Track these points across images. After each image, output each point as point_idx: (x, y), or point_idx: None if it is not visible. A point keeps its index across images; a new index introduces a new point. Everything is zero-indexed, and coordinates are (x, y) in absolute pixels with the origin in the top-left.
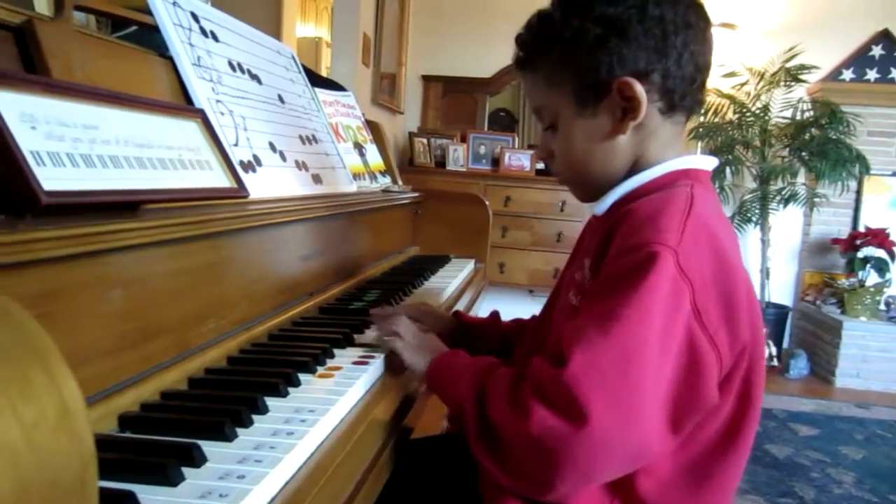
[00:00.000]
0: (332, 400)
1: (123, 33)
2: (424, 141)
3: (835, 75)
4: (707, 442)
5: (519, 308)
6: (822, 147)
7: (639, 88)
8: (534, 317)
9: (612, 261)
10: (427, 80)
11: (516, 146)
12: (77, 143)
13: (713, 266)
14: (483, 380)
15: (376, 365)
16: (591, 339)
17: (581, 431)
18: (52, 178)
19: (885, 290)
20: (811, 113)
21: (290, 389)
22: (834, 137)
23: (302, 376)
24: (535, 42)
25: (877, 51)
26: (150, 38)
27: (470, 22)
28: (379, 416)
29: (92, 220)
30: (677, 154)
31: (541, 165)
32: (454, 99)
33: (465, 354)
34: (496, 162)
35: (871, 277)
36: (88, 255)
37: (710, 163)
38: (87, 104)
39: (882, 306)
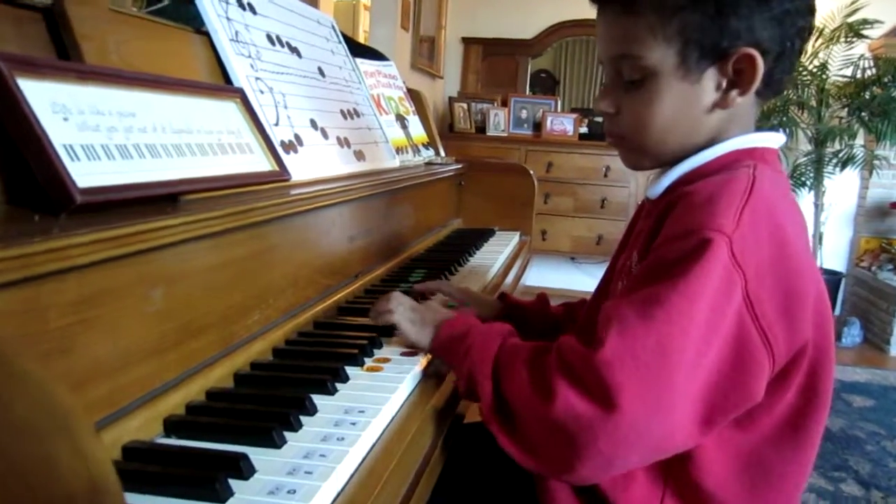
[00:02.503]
0: (382, 398)
1: (156, 7)
2: (464, 106)
3: None
4: (766, 437)
5: (561, 275)
6: (884, 107)
7: (760, 63)
8: (583, 300)
9: (662, 245)
10: (467, 42)
11: (559, 109)
12: (112, 133)
13: (772, 255)
14: (498, 350)
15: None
16: (630, 322)
17: (609, 418)
18: (86, 174)
19: None
20: (873, 71)
21: (339, 386)
22: None
23: (350, 370)
24: None
25: None
26: (183, 10)
27: None
28: (431, 410)
29: (130, 215)
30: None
31: (584, 129)
32: (495, 62)
33: (473, 320)
34: (538, 126)
35: None
36: (129, 256)
37: (776, 140)
38: (123, 90)
39: None
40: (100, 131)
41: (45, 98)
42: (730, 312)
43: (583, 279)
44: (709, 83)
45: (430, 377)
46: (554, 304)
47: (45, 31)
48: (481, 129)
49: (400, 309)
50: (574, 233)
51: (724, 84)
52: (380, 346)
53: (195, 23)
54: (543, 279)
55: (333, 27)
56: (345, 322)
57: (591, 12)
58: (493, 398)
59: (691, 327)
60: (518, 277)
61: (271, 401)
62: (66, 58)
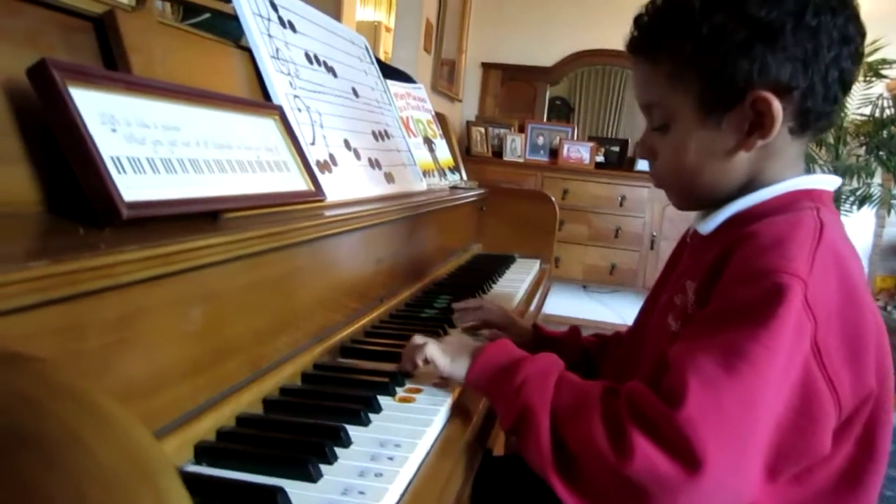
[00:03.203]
0: (417, 432)
1: (197, 20)
2: (482, 130)
3: None
4: (822, 491)
5: (573, 303)
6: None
7: (776, 106)
8: (617, 334)
9: (731, 287)
10: (487, 67)
11: (575, 137)
12: (157, 147)
13: (840, 300)
14: (555, 388)
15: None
16: (713, 376)
17: (692, 478)
18: (132, 187)
19: None
20: (891, 110)
21: (372, 416)
22: None
23: (382, 399)
24: (661, 31)
25: None
26: (221, 24)
27: (532, 8)
28: (464, 446)
29: (172, 232)
30: (798, 172)
31: (600, 158)
32: (513, 87)
33: (515, 349)
34: (554, 153)
35: None
36: (170, 275)
37: (833, 182)
38: (169, 103)
39: None
40: (146, 144)
41: (95, 108)
42: (798, 360)
43: (595, 308)
44: (730, 127)
45: (462, 408)
46: (585, 335)
47: (94, 39)
48: (498, 153)
49: (430, 342)
50: (587, 261)
51: (746, 127)
52: (410, 375)
53: (232, 37)
54: (555, 307)
55: (367, 48)
56: (372, 348)
57: (610, 42)
58: (552, 443)
59: (772, 379)
60: (539, 306)
61: (304, 430)
62: (113, 68)
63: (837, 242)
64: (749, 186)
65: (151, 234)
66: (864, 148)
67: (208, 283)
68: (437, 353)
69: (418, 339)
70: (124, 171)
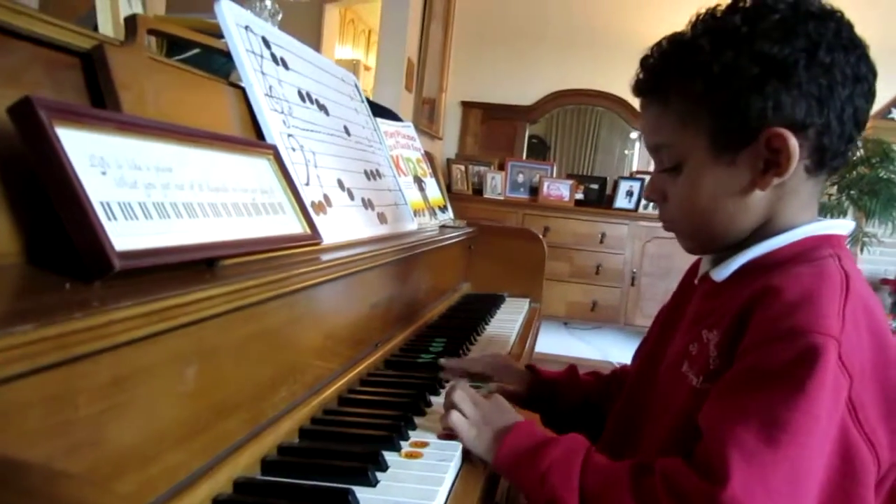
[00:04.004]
0: (430, 492)
1: (185, 56)
2: (462, 168)
3: (884, 114)
4: None
5: (555, 340)
6: (873, 186)
7: (793, 143)
8: (614, 373)
9: (762, 347)
10: (467, 106)
11: (554, 175)
12: (150, 190)
13: (873, 354)
14: (581, 471)
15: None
16: (755, 450)
17: None
18: (124, 235)
19: None
20: (862, 152)
21: (379, 475)
22: (885, 177)
23: (388, 456)
24: (669, 71)
25: None
26: (210, 60)
27: (512, 49)
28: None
29: (166, 282)
30: (813, 215)
31: (580, 195)
32: (493, 125)
33: (538, 429)
34: (534, 190)
35: None
36: (167, 331)
37: (847, 226)
38: (161, 143)
39: None
40: (137, 188)
41: (84, 150)
42: (837, 420)
43: (577, 345)
44: (744, 165)
45: (471, 462)
46: (583, 374)
47: (81, 76)
48: (478, 190)
49: (467, 408)
50: (569, 298)
51: (761, 165)
52: (414, 427)
53: (221, 73)
54: (538, 344)
55: (356, 86)
56: (370, 398)
57: (589, 82)
58: None
59: (815, 446)
60: (532, 347)
61: (309, 495)
62: (102, 106)
63: (864, 293)
64: (765, 230)
65: (145, 287)
66: (835, 187)
67: (206, 337)
68: (461, 424)
69: (456, 396)
70: (115, 218)
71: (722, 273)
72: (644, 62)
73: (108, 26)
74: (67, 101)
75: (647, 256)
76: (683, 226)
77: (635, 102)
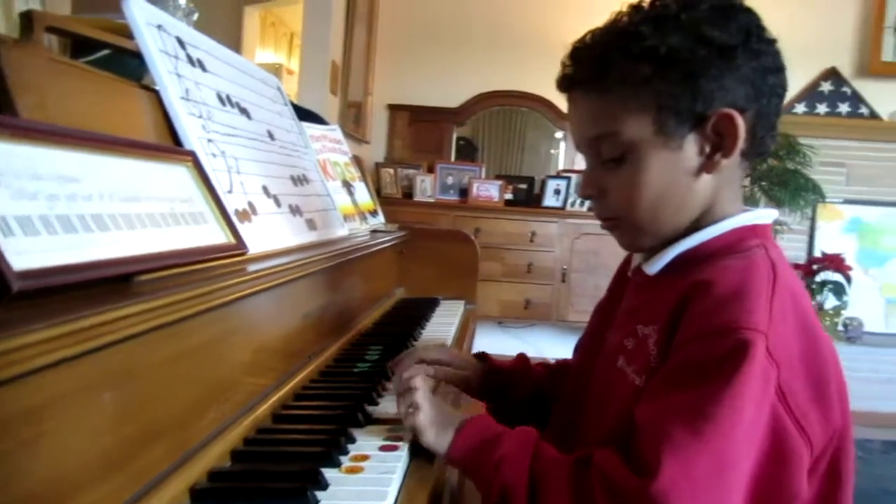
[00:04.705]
0: None
1: (93, 58)
2: (391, 171)
3: (788, 109)
4: None
5: (490, 340)
6: (782, 177)
7: (740, 123)
8: (563, 363)
9: (692, 343)
10: (393, 108)
11: (483, 176)
12: (53, 202)
13: (801, 342)
14: (531, 462)
15: (407, 450)
16: (681, 443)
17: None
18: (23, 252)
19: (842, 312)
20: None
21: (319, 494)
22: (792, 168)
23: (327, 473)
24: (610, 58)
25: (826, 86)
26: (121, 62)
27: (437, 51)
28: None
29: (76, 303)
30: (740, 205)
31: (509, 196)
32: (421, 128)
33: (493, 423)
34: (464, 192)
35: (829, 301)
36: (80, 356)
37: (771, 215)
38: (66, 150)
39: (840, 328)
40: (38, 199)
41: None
42: (765, 408)
43: (511, 343)
44: (691, 148)
45: (413, 474)
46: (534, 364)
47: None
48: (408, 194)
49: (426, 404)
50: (502, 297)
51: (708, 148)
52: (353, 440)
53: (132, 76)
54: (473, 345)
55: (279, 88)
56: (306, 412)
57: (514, 83)
58: None
59: (740, 436)
60: (469, 349)
61: None
62: None
63: (790, 282)
64: (701, 220)
65: (53, 308)
66: (748, 179)
67: (124, 360)
68: (426, 424)
69: (418, 392)
70: (12, 234)
71: (654, 266)
72: (576, 53)
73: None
74: None
75: (576, 253)
76: (628, 219)
77: (560, 103)
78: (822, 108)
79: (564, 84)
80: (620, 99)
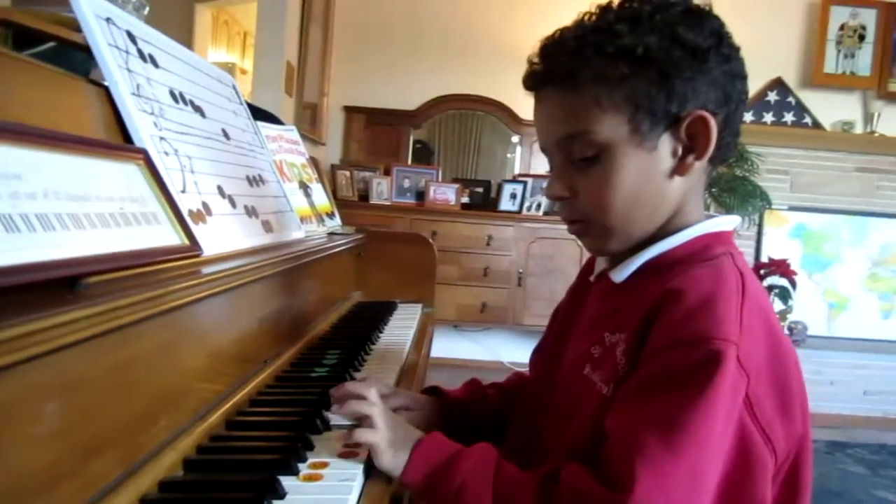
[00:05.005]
0: None
1: (36, 51)
2: (347, 173)
3: None
4: None
5: (446, 343)
6: (731, 184)
7: (713, 125)
8: (518, 378)
9: (663, 353)
10: (349, 110)
11: (440, 179)
12: None
13: (767, 350)
14: (494, 485)
15: (365, 456)
16: (655, 455)
17: None
18: None
19: (788, 316)
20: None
21: (277, 503)
22: (740, 175)
23: (285, 481)
24: (584, 55)
25: (772, 96)
26: (66, 56)
27: (394, 54)
28: None
29: (19, 307)
30: (702, 211)
31: (466, 199)
32: (377, 131)
33: (447, 443)
34: (420, 195)
35: (776, 305)
36: (21, 363)
37: (734, 221)
38: (7, 146)
39: (786, 331)
40: None
41: None
42: (735, 417)
43: (468, 346)
44: (665, 150)
45: (374, 479)
46: (488, 388)
47: None
48: (364, 196)
49: (383, 424)
50: (459, 301)
51: (680, 150)
52: (311, 447)
53: (80, 71)
54: (430, 349)
55: (235, 87)
56: (261, 419)
57: (470, 87)
58: None
59: (713, 446)
60: (428, 353)
61: None
62: None
63: (757, 291)
64: (668, 225)
65: None
66: None
67: (71, 367)
68: (383, 446)
69: (374, 407)
70: None
71: (622, 273)
72: (547, 50)
73: None
74: None
75: (532, 257)
76: (599, 221)
77: (517, 107)
78: (768, 117)
79: (533, 81)
80: (594, 97)
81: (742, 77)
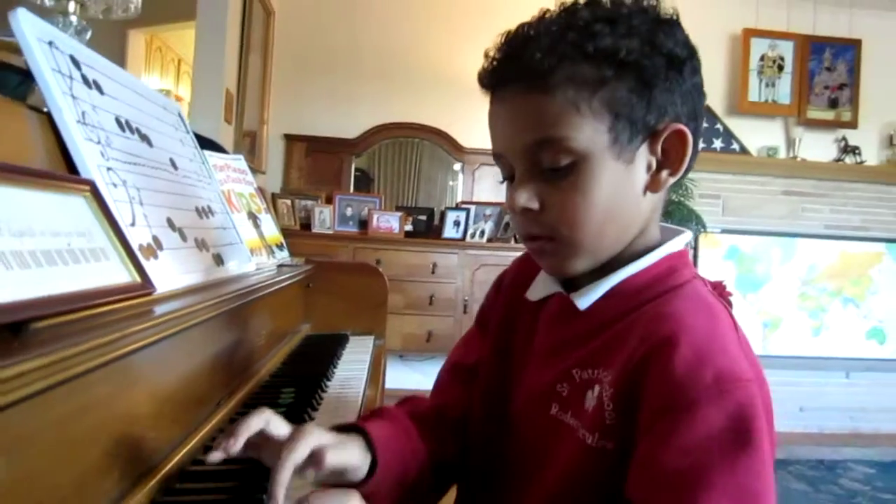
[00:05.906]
0: None
1: None
2: (288, 202)
3: None
4: None
5: (392, 374)
6: (667, 208)
7: (690, 140)
8: (422, 405)
9: (687, 414)
10: (290, 139)
11: (382, 207)
12: None
13: (756, 375)
14: None
15: None
16: None
17: None
18: None
19: None
20: None
21: None
22: (676, 200)
23: None
24: (559, 54)
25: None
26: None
27: (334, 82)
28: None
29: None
30: (659, 231)
31: (409, 227)
32: (318, 159)
33: None
34: (363, 224)
35: None
36: None
37: (686, 238)
38: None
39: None
40: None
41: None
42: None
43: (413, 377)
44: (640, 163)
45: None
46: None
47: None
48: (306, 225)
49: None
50: (405, 330)
51: (654, 165)
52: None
53: (16, 96)
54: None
55: (180, 115)
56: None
57: (410, 115)
58: None
59: (773, 493)
60: (383, 386)
61: None
62: None
63: (730, 313)
64: (633, 245)
65: None
66: None
67: (12, 425)
68: None
69: (298, 453)
70: None
71: (587, 299)
72: (512, 46)
73: None
74: None
75: (477, 283)
76: (567, 238)
77: (459, 135)
78: (699, 144)
79: (493, 79)
80: (570, 100)
81: (701, 92)
